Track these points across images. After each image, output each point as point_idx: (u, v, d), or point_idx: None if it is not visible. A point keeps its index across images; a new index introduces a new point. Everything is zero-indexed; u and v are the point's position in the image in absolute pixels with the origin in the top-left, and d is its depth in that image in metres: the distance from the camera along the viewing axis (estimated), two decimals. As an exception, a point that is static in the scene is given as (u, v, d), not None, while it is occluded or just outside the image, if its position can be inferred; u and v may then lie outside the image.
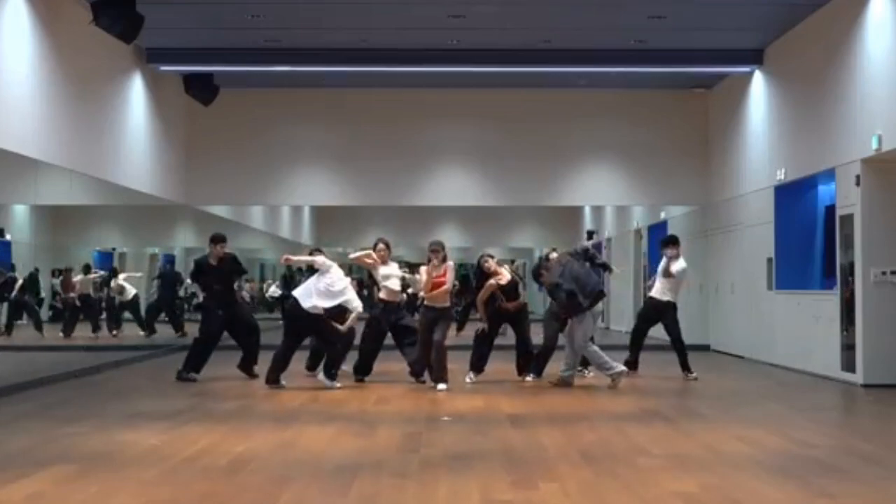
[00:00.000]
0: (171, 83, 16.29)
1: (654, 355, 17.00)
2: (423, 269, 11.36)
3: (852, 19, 11.82)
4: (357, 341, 11.65)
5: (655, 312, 12.67)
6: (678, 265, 12.43)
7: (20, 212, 22.81)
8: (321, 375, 11.08)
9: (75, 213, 23.17)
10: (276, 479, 6.07)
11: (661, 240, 13.25)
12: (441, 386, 10.73)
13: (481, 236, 30.72)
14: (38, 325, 19.69)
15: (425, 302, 11.23)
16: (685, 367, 12.45)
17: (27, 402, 9.84)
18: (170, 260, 25.03)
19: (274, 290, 31.01)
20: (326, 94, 17.59)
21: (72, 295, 20.06)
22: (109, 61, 13.92)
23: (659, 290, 12.56)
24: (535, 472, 6.34)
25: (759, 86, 15.19)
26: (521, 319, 11.87)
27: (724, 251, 16.63)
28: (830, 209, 13.13)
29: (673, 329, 12.53)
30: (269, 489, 5.79)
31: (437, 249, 11.15)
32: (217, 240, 11.95)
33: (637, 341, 12.97)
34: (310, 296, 10.84)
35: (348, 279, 11.26)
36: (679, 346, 12.55)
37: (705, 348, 17.15)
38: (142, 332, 19.67)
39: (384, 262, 11.74)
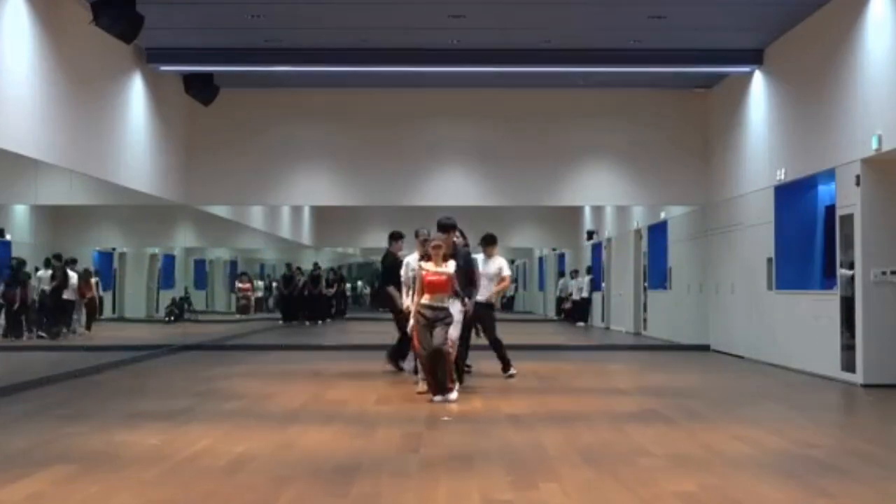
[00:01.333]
0: (171, 83, 16.30)
1: (655, 356, 17.03)
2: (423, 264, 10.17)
3: (852, 19, 11.83)
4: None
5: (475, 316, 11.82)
6: (494, 265, 12.08)
7: (20, 212, 22.82)
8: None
9: (75, 213, 23.18)
10: (276, 479, 6.07)
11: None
12: (452, 395, 9.78)
13: (481, 236, 30.68)
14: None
15: (424, 300, 9.90)
16: (505, 365, 12.17)
17: (27, 402, 9.84)
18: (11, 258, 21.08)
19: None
20: (326, 94, 17.60)
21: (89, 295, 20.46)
22: (109, 61, 13.92)
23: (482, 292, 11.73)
24: (535, 472, 6.34)
25: (759, 86, 15.19)
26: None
27: (724, 251, 16.62)
28: (830, 209, 13.13)
29: (489, 330, 12.15)
30: (269, 489, 5.79)
31: (442, 245, 9.96)
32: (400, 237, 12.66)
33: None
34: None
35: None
36: (496, 347, 12.25)
37: (705, 348, 17.16)
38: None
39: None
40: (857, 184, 11.66)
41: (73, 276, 19.88)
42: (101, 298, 22.63)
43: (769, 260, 14.42)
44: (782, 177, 14.03)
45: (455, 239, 10.79)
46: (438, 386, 9.75)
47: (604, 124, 17.75)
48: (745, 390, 11.77)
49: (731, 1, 12.85)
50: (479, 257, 11.94)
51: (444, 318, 9.85)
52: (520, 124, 17.71)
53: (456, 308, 10.29)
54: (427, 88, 17.45)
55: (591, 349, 18.43)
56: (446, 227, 10.65)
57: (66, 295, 19.64)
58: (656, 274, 21.06)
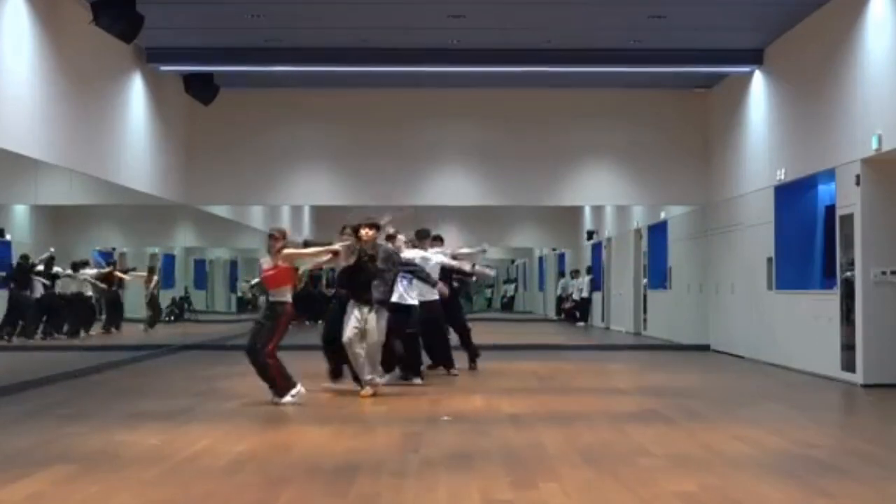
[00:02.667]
0: (171, 83, 16.29)
1: (655, 356, 17.03)
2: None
3: (852, 19, 11.82)
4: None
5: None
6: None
7: (20, 212, 22.81)
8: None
9: (75, 213, 23.15)
10: (275, 479, 6.07)
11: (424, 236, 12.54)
12: (284, 399, 9.45)
13: (481, 236, 30.69)
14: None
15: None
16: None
17: (27, 402, 9.84)
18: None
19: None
20: (326, 94, 17.59)
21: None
22: (109, 61, 13.92)
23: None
24: (535, 472, 6.34)
25: (759, 86, 15.18)
26: None
27: (724, 251, 16.62)
28: (830, 209, 13.13)
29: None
30: (268, 489, 5.79)
31: (277, 237, 9.65)
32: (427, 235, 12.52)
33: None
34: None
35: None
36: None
37: (705, 348, 17.16)
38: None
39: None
40: (857, 184, 11.65)
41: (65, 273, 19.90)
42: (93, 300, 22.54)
43: (769, 260, 14.42)
44: (782, 177, 14.02)
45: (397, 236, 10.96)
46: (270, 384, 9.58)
47: (604, 124, 17.74)
48: (745, 390, 11.77)
49: (731, 1, 12.85)
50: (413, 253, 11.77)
51: (268, 316, 9.54)
52: (520, 124, 17.70)
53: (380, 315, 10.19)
54: (427, 88, 17.44)
55: (591, 349, 18.43)
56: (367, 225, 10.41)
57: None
58: (656, 274, 21.05)
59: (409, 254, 11.49)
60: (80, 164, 13.07)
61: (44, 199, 18.77)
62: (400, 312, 10.87)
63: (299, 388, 9.48)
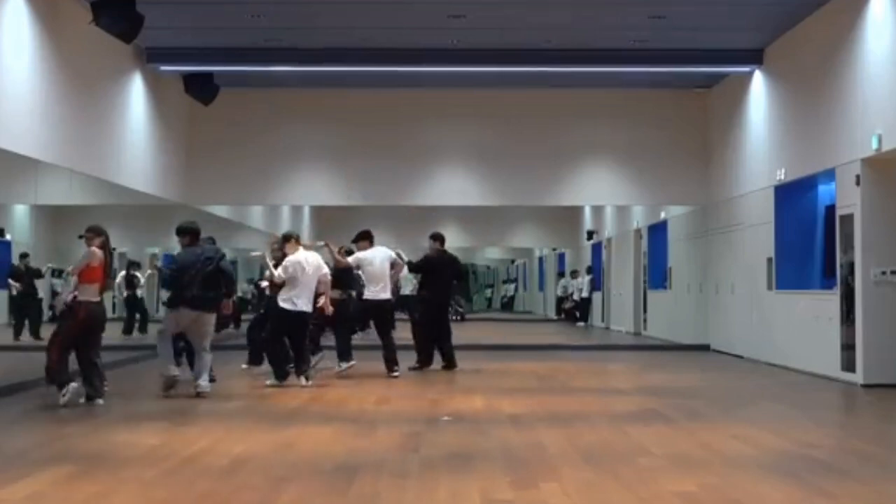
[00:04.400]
0: (171, 83, 16.29)
1: (655, 356, 17.03)
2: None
3: (852, 19, 11.83)
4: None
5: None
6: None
7: (20, 212, 22.82)
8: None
9: (75, 213, 23.16)
10: (275, 479, 6.07)
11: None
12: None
13: (481, 236, 30.73)
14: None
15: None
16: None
17: (27, 402, 9.84)
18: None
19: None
20: (326, 94, 17.60)
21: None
22: (109, 61, 13.93)
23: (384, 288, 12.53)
24: (535, 472, 6.34)
25: (759, 86, 15.19)
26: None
27: (724, 251, 16.63)
28: (830, 209, 13.13)
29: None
30: (268, 489, 5.79)
31: (90, 237, 10.04)
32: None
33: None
34: None
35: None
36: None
37: (705, 348, 17.16)
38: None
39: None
40: (857, 184, 11.66)
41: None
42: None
43: (769, 260, 14.42)
44: (782, 177, 14.03)
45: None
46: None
47: (604, 124, 17.75)
48: (745, 390, 11.77)
49: (731, 1, 12.85)
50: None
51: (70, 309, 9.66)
52: (520, 124, 17.71)
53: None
54: (427, 88, 17.44)
55: (591, 349, 18.43)
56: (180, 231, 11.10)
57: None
58: (656, 274, 21.06)
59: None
60: (80, 163, 13.08)
61: (44, 199, 18.79)
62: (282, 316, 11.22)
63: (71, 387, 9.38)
